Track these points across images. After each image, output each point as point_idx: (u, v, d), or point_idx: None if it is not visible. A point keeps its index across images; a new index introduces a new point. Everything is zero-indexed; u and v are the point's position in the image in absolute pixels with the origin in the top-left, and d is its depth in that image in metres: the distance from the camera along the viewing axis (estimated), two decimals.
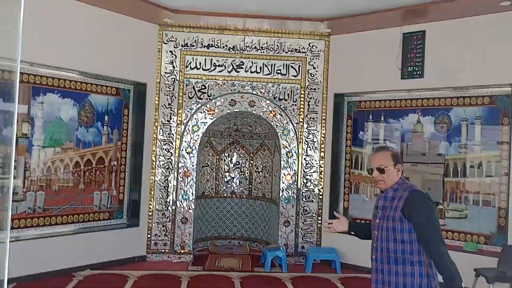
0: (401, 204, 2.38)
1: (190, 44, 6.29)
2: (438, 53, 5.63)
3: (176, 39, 6.27)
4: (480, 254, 5.08)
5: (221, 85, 6.32)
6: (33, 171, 5.17)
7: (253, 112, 6.34)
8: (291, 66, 6.39)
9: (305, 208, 6.38)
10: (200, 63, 6.30)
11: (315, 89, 6.40)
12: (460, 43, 5.45)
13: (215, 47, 6.31)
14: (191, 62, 6.29)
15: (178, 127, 6.24)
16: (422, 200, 2.38)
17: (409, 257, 2.35)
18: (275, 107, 6.34)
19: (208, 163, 7.12)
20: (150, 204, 6.16)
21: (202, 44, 6.30)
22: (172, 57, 6.25)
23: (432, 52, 5.68)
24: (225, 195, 7.20)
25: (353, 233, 2.78)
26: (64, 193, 5.43)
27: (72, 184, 5.53)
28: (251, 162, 7.23)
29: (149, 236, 6.15)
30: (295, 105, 6.39)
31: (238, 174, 7.24)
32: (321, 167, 6.41)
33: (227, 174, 7.24)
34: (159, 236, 6.18)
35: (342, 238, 6.17)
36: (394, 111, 6.10)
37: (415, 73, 5.80)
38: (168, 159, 6.23)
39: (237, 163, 7.25)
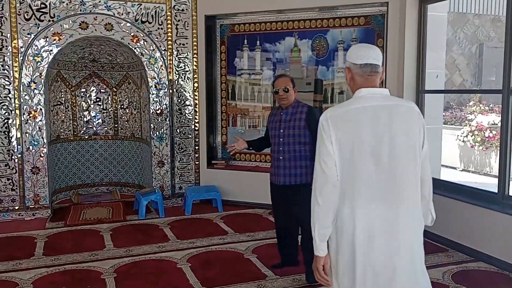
0: (303, 116, 3.28)
1: None
2: None
3: None
4: None
5: (67, 4, 5.14)
6: None
7: (111, 37, 5.34)
8: None
9: (180, 145, 5.79)
10: None
11: (183, 10, 5.60)
12: None
13: None
14: None
15: (15, 57, 4.99)
16: (318, 113, 2.81)
17: (308, 154, 3.26)
18: (137, 31, 5.42)
19: (61, 101, 5.99)
20: None
21: None
22: None
23: None
24: (86, 137, 6.23)
25: (251, 147, 3.67)
26: None
27: None
28: (115, 97, 6.28)
29: None
30: (162, 29, 5.53)
31: (100, 112, 6.27)
32: (196, 99, 5.79)
33: (86, 112, 6.21)
34: (4, 191, 5.09)
35: (222, 175, 5.83)
36: (270, 35, 5.66)
37: None
38: (5, 97, 5.02)
39: (97, 99, 6.24)
